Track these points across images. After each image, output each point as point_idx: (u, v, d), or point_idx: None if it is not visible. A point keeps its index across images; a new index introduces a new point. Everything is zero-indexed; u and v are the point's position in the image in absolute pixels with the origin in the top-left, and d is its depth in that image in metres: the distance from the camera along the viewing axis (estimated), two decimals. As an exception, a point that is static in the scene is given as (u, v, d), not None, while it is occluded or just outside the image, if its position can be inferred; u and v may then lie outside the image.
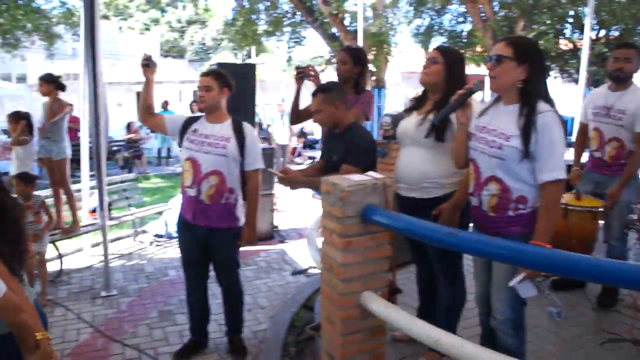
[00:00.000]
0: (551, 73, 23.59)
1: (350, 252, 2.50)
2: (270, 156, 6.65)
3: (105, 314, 4.35)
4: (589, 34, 7.31)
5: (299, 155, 16.37)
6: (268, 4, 20.08)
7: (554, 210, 2.26)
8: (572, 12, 20.23)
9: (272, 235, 6.72)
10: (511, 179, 2.29)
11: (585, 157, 4.29)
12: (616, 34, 21.51)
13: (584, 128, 4.22)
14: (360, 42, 16.19)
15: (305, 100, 3.68)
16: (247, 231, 3.39)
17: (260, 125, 15.15)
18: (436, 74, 2.80)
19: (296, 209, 8.58)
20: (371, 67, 20.22)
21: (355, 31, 17.98)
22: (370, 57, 20.24)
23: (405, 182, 2.91)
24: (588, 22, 7.42)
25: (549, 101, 2.29)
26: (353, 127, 3.18)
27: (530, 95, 2.27)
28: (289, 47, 21.97)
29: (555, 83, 23.87)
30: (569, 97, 12.16)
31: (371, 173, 2.64)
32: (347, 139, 3.11)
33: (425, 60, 2.89)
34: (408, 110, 3.03)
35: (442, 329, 2.22)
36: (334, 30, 19.52)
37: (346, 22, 19.56)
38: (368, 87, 3.95)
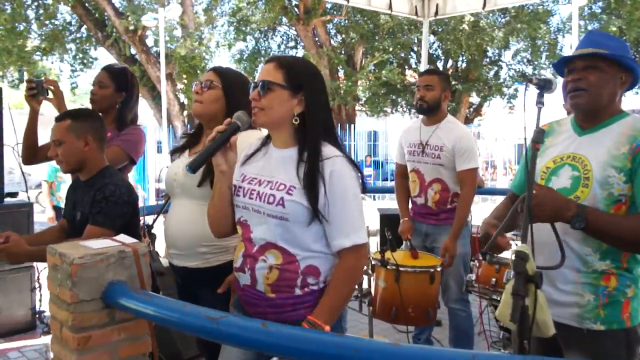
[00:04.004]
0: (399, 109, 25.33)
1: (90, 352, 2.21)
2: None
3: None
4: (425, 62, 7.84)
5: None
6: (41, 10, 19.01)
7: (347, 283, 2.15)
8: (415, 40, 21.88)
9: (34, 324, 6.09)
10: (297, 246, 2.15)
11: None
12: (464, 65, 23.84)
13: (402, 170, 4.43)
14: (163, 67, 15.97)
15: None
16: None
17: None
18: (213, 102, 2.68)
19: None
20: (183, 99, 20.10)
21: (159, 53, 17.77)
22: (180, 86, 20.10)
23: (177, 247, 2.70)
24: (425, 48, 7.95)
25: (338, 144, 2.23)
26: (105, 174, 2.94)
27: (310, 136, 2.18)
28: (73, 71, 20.98)
29: (404, 119, 25.61)
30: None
31: (122, 237, 2.39)
32: (95, 190, 2.85)
33: (196, 85, 2.74)
34: (177, 150, 2.86)
35: None
36: (133, 50, 19.12)
37: (149, 41, 19.27)
38: (147, 125, 3.73)
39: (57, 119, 2.99)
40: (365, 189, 2.26)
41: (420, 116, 4.27)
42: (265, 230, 2.17)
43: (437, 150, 4.07)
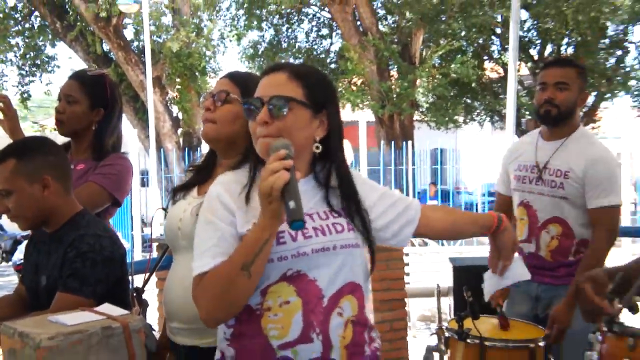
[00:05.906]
0: (475, 117, 25.03)
1: None
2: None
3: None
4: (516, 52, 7.80)
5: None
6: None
7: None
8: (500, 19, 21.59)
9: None
10: (366, 281, 2.31)
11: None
12: (571, 50, 23.32)
13: (505, 203, 4.38)
14: (149, 68, 16.03)
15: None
16: None
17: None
18: (231, 122, 2.73)
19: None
20: (177, 112, 20.21)
21: (143, 49, 17.76)
22: (173, 93, 20.18)
23: (182, 319, 2.73)
24: (514, 29, 7.92)
25: None
26: (79, 222, 2.98)
27: (335, 157, 2.34)
28: (22, 76, 21.17)
29: (482, 132, 25.25)
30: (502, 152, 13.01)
31: (106, 307, 2.46)
32: (66, 245, 2.88)
33: (206, 98, 2.81)
34: (182, 188, 2.92)
35: None
36: (107, 46, 19.31)
37: (128, 33, 19.51)
38: (128, 150, 3.89)
39: None
40: None
41: (537, 128, 4.20)
42: (339, 269, 2.23)
43: (560, 177, 3.94)
